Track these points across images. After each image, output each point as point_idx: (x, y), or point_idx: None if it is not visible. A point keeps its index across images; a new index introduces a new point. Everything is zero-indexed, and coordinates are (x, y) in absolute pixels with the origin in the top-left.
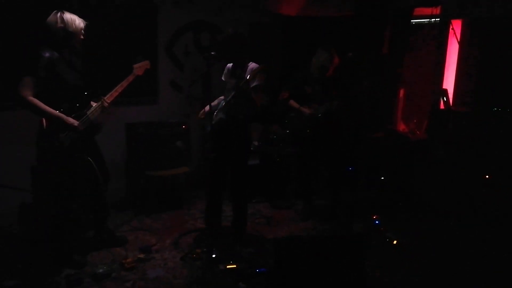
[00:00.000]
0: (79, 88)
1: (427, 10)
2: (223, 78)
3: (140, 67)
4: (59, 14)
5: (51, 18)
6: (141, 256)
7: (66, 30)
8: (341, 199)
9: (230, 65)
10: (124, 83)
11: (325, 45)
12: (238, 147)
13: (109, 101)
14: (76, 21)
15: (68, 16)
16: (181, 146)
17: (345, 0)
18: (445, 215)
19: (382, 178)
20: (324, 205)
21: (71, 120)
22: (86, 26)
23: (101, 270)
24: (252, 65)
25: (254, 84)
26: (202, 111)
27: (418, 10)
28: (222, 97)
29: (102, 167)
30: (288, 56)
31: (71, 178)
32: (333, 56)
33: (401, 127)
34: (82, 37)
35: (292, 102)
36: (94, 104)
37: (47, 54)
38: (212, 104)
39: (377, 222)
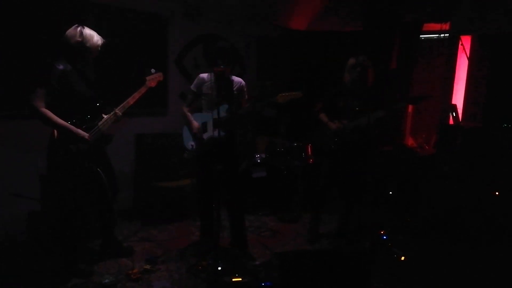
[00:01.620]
0: (90, 99)
1: (437, 26)
2: (193, 88)
3: (153, 79)
4: (79, 28)
5: (70, 31)
6: (147, 267)
7: (84, 45)
8: (352, 217)
9: (205, 76)
10: (136, 95)
11: (353, 57)
12: (232, 160)
13: (120, 113)
14: (94, 37)
15: (88, 31)
16: (189, 158)
17: (354, 15)
18: (453, 231)
19: (390, 192)
20: (333, 224)
21: (81, 132)
22: (103, 44)
23: (107, 280)
24: (236, 79)
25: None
26: (197, 128)
27: (428, 26)
28: (188, 109)
29: (112, 179)
30: (297, 70)
31: (80, 188)
32: (362, 67)
33: (410, 141)
34: (97, 53)
35: (322, 116)
36: (105, 116)
37: (61, 67)
38: (193, 121)
39: (384, 237)
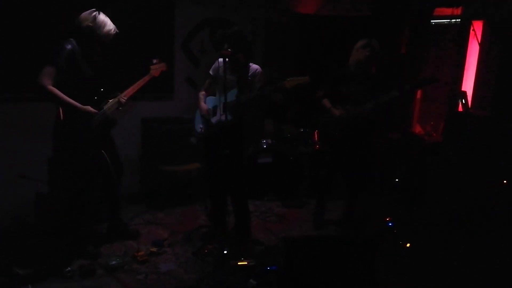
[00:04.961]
0: (97, 82)
1: (448, 11)
2: (211, 72)
3: (156, 69)
4: (94, 13)
5: (85, 14)
6: (154, 250)
7: (94, 31)
8: (357, 203)
9: (222, 59)
10: (140, 82)
11: (365, 38)
12: (237, 146)
13: (125, 98)
14: (106, 26)
15: (102, 18)
16: (195, 142)
17: None
18: (459, 220)
19: (397, 180)
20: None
21: (89, 108)
22: (116, 34)
23: (114, 262)
24: (253, 66)
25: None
26: (206, 110)
27: (439, 10)
28: (203, 93)
29: (117, 161)
30: (304, 55)
31: (86, 170)
32: (372, 50)
33: (417, 129)
34: (108, 42)
35: (325, 102)
36: (110, 100)
37: (69, 46)
38: (202, 103)
39: (390, 224)
